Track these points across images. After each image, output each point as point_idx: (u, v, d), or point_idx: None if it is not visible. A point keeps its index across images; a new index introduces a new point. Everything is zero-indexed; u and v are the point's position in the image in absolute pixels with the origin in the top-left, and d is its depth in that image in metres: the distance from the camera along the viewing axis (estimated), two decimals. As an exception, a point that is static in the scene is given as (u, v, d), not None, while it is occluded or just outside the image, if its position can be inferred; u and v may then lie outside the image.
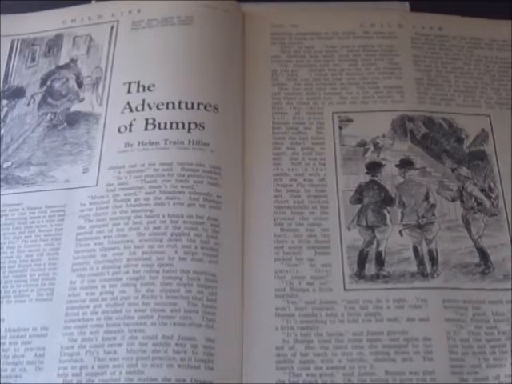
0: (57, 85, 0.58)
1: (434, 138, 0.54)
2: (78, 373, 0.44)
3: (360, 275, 0.48)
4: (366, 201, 0.51)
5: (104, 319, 0.45)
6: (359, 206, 0.51)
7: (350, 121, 0.55)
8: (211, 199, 0.50)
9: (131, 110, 0.54)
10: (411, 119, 0.55)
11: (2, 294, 0.47)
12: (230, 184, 0.51)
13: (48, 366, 0.45)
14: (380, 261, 0.49)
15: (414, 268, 0.48)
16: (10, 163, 0.54)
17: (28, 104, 0.57)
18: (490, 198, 0.51)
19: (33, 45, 0.60)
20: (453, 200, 0.51)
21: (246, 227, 0.50)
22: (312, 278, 0.48)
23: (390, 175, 0.52)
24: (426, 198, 0.51)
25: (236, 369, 0.45)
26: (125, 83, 0.56)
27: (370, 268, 0.49)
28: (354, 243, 0.50)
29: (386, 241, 0.50)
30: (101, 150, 0.53)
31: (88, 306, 0.46)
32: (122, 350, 0.44)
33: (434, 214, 0.51)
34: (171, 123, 0.53)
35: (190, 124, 0.53)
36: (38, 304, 0.47)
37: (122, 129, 0.53)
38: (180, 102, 0.54)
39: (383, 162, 0.53)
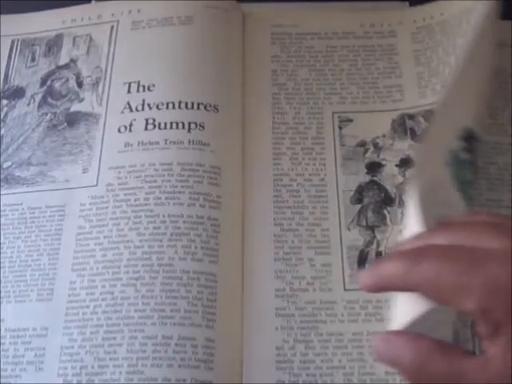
0: (57, 85, 0.58)
1: (434, 132, 0.54)
2: (78, 373, 0.44)
3: (360, 275, 0.48)
4: (366, 201, 0.51)
5: (104, 319, 0.45)
6: (359, 206, 0.51)
7: (350, 121, 0.55)
8: (211, 199, 0.50)
9: (131, 110, 0.54)
10: (411, 117, 0.54)
11: (2, 294, 0.47)
12: (230, 184, 0.51)
13: (48, 365, 0.45)
14: (380, 261, 0.49)
15: (414, 268, 0.48)
16: (9, 163, 0.54)
17: (28, 104, 0.57)
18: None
19: (33, 45, 0.60)
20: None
21: (246, 227, 0.50)
22: (312, 278, 0.48)
23: (390, 175, 0.52)
24: (426, 197, 0.51)
25: (236, 369, 0.45)
26: (125, 83, 0.56)
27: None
28: (354, 243, 0.49)
29: (386, 241, 0.50)
30: (101, 150, 0.53)
31: (88, 306, 0.46)
32: (122, 350, 0.44)
33: (434, 214, 0.51)
34: (171, 123, 0.53)
35: (190, 124, 0.53)
36: (38, 304, 0.47)
37: (122, 129, 0.53)
38: (180, 102, 0.54)
39: (383, 162, 0.53)
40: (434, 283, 0.30)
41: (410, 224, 0.37)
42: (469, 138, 0.43)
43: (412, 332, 0.32)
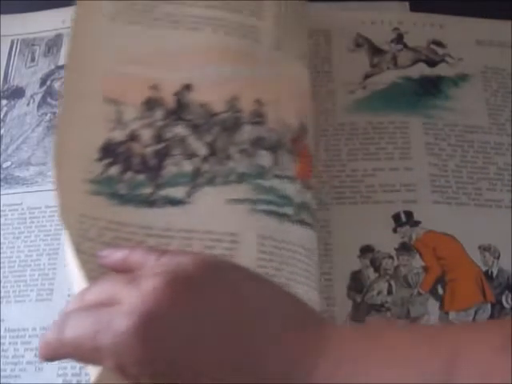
0: (56, 85, 0.58)
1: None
2: (78, 373, 0.44)
3: (360, 275, 0.48)
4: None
5: (104, 319, 0.45)
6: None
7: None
8: (211, 199, 0.49)
9: (131, 110, 0.54)
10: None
11: (2, 294, 0.47)
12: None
13: (48, 365, 0.45)
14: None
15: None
16: (9, 163, 0.54)
17: (28, 104, 0.57)
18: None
19: (33, 45, 0.60)
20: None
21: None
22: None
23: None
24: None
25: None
26: (125, 83, 0.56)
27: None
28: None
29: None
30: (101, 150, 0.53)
31: (88, 306, 0.46)
32: (121, 350, 0.44)
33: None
34: (171, 123, 0.53)
35: (189, 124, 0.52)
36: (37, 304, 0.47)
37: (122, 129, 0.53)
38: (180, 102, 0.54)
39: None
40: (76, 349, 0.32)
41: (73, 274, 0.37)
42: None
43: None
